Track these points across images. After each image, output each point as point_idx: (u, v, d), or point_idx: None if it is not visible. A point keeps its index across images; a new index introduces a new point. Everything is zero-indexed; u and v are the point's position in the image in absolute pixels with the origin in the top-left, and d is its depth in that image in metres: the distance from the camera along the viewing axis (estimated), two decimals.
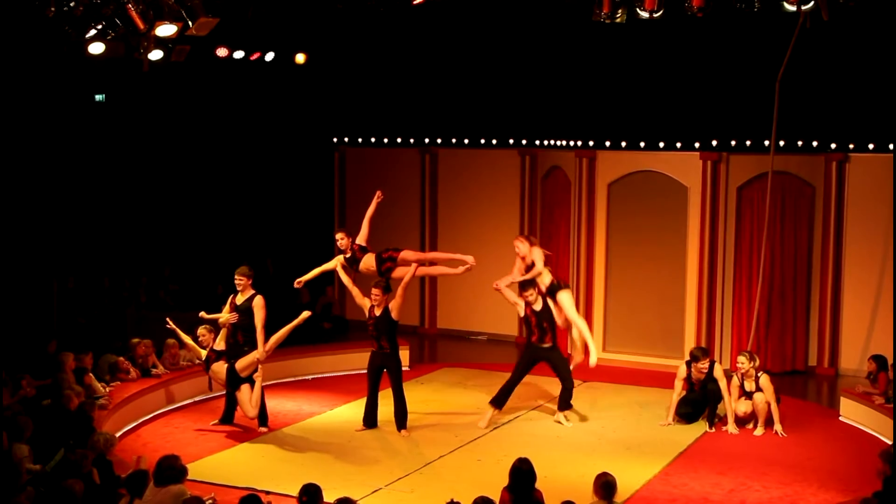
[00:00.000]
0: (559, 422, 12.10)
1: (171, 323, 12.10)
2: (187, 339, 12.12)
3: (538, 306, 11.98)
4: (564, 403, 12.17)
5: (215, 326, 11.88)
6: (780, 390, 13.63)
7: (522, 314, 12.12)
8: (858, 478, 10.30)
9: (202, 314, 11.88)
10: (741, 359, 11.96)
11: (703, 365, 11.96)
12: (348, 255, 12.25)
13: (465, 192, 17.04)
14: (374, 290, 11.62)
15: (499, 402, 12.14)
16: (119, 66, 13.04)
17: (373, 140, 17.79)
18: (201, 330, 12.00)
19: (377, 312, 11.65)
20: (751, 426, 11.95)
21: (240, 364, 11.58)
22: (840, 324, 14.79)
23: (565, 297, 12.18)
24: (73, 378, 11.22)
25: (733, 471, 10.54)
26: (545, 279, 12.15)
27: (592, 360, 12.13)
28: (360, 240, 12.36)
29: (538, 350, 12.09)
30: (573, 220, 15.42)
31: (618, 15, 10.70)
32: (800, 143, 14.80)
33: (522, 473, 7.70)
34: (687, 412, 12.14)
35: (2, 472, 7.84)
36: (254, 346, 11.52)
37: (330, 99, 17.78)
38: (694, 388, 12.17)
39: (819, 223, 14.78)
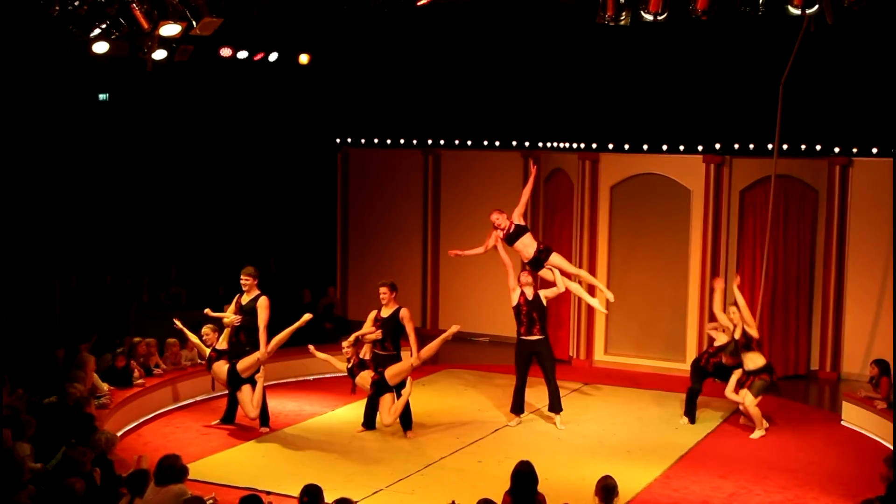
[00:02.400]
0: (555, 424, 12.15)
1: (178, 323, 12.13)
2: (194, 338, 12.14)
3: (531, 295, 12.06)
4: (556, 406, 12.19)
5: (220, 325, 11.89)
6: (783, 394, 13.67)
7: (514, 303, 12.15)
8: (860, 482, 10.28)
9: (207, 311, 11.90)
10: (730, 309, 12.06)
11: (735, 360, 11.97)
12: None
13: (468, 193, 17.03)
14: (382, 289, 11.60)
15: (517, 408, 12.24)
16: (123, 66, 13.06)
17: (376, 141, 17.80)
18: (206, 329, 12.02)
19: (385, 314, 11.63)
20: (742, 419, 12.02)
21: (241, 364, 11.58)
22: (842, 328, 14.78)
23: (557, 258, 12.28)
24: (96, 378, 11.29)
25: (734, 474, 10.54)
26: (529, 251, 12.20)
27: (609, 296, 12.39)
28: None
29: (527, 343, 12.13)
30: (576, 222, 15.41)
31: (622, 17, 10.68)
32: (803, 146, 14.79)
33: (524, 476, 7.68)
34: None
35: (4, 470, 7.84)
36: (256, 347, 11.53)
37: (333, 100, 17.79)
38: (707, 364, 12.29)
39: (822, 227, 14.77)
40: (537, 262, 12.22)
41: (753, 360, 11.85)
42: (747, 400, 11.81)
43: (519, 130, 16.67)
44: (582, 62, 15.48)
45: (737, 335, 11.82)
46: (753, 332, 11.85)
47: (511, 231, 12.16)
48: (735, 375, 12.01)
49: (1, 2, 11.20)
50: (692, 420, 12.34)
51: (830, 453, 11.39)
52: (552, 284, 12.29)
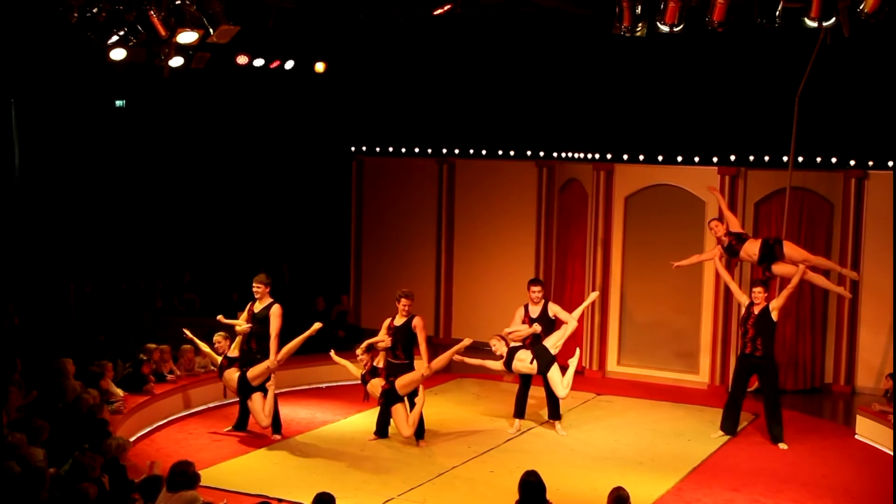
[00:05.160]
0: (556, 430, 12.27)
1: (188, 332, 12.16)
2: (204, 346, 12.16)
3: (536, 313, 12.28)
4: (555, 413, 12.32)
5: (232, 332, 11.90)
6: (796, 407, 13.61)
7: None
8: (873, 497, 10.23)
9: (220, 318, 11.92)
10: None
11: (756, 299, 11.98)
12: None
13: (482, 202, 17.04)
14: (404, 300, 11.59)
15: (519, 412, 12.33)
16: (140, 73, 13.13)
17: (391, 149, 17.81)
18: (217, 336, 12.03)
19: (398, 322, 11.62)
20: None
21: (251, 373, 11.58)
22: (857, 341, 14.71)
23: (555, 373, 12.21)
24: (76, 383, 11.21)
25: (747, 487, 10.49)
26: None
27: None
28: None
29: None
30: (590, 232, 15.39)
31: (638, 28, 10.69)
32: (818, 159, 14.75)
33: (531, 486, 7.67)
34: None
35: (25, 477, 7.86)
36: (267, 355, 11.52)
37: (349, 108, 17.83)
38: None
39: (837, 240, 14.71)
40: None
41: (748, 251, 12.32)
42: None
43: (534, 140, 16.67)
44: (598, 73, 15.48)
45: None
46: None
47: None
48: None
49: (21, 8, 11.30)
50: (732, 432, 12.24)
51: (844, 467, 11.33)
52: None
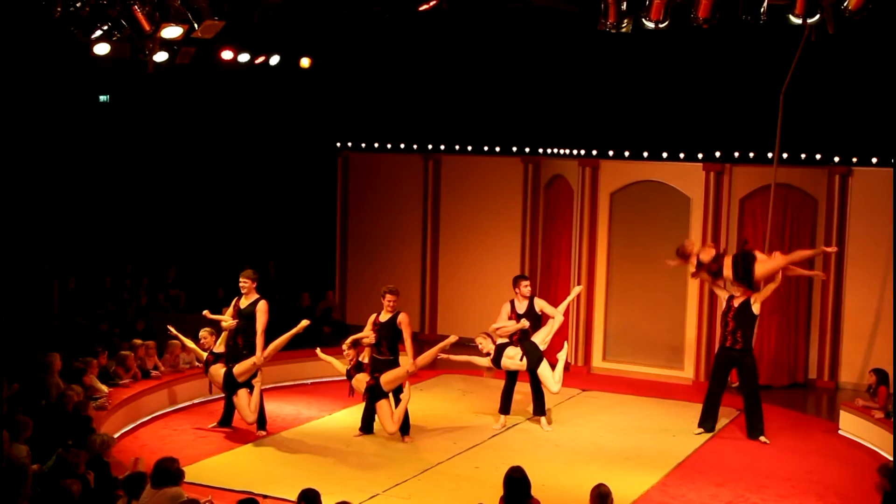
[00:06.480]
0: (541, 426, 12.29)
1: (172, 329, 12.12)
2: (189, 342, 12.13)
3: (522, 309, 12.27)
4: (540, 409, 12.33)
5: (217, 328, 11.88)
6: (780, 403, 13.66)
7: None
8: (857, 492, 10.28)
9: (206, 313, 11.89)
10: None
11: (736, 293, 11.97)
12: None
13: (468, 198, 17.05)
14: (390, 296, 11.58)
15: (504, 409, 12.35)
16: (124, 68, 13.07)
17: (376, 145, 17.80)
18: (203, 332, 12.00)
19: (383, 318, 11.61)
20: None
21: (237, 369, 11.56)
22: (840, 337, 14.78)
23: (545, 369, 12.21)
24: (60, 380, 11.14)
25: (731, 482, 10.53)
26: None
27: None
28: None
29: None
30: (575, 228, 15.41)
31: (623, 25, 10.70)
32: (803, 155, 14.81)
33: (516, 482, 7.68)
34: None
35: (6, 473, 7.83)
36: (253, 351, 11.50)
37: (334, 103, 17.80)
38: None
39: (821, 236, 14.77)
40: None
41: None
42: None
43: (519, 136, 16.68)
44: (583, 69, 15.51)
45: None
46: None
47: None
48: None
49: (3, 3, 11.21)
50: (711, 429, 12.23)
51: (827, 463, 11.38)
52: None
